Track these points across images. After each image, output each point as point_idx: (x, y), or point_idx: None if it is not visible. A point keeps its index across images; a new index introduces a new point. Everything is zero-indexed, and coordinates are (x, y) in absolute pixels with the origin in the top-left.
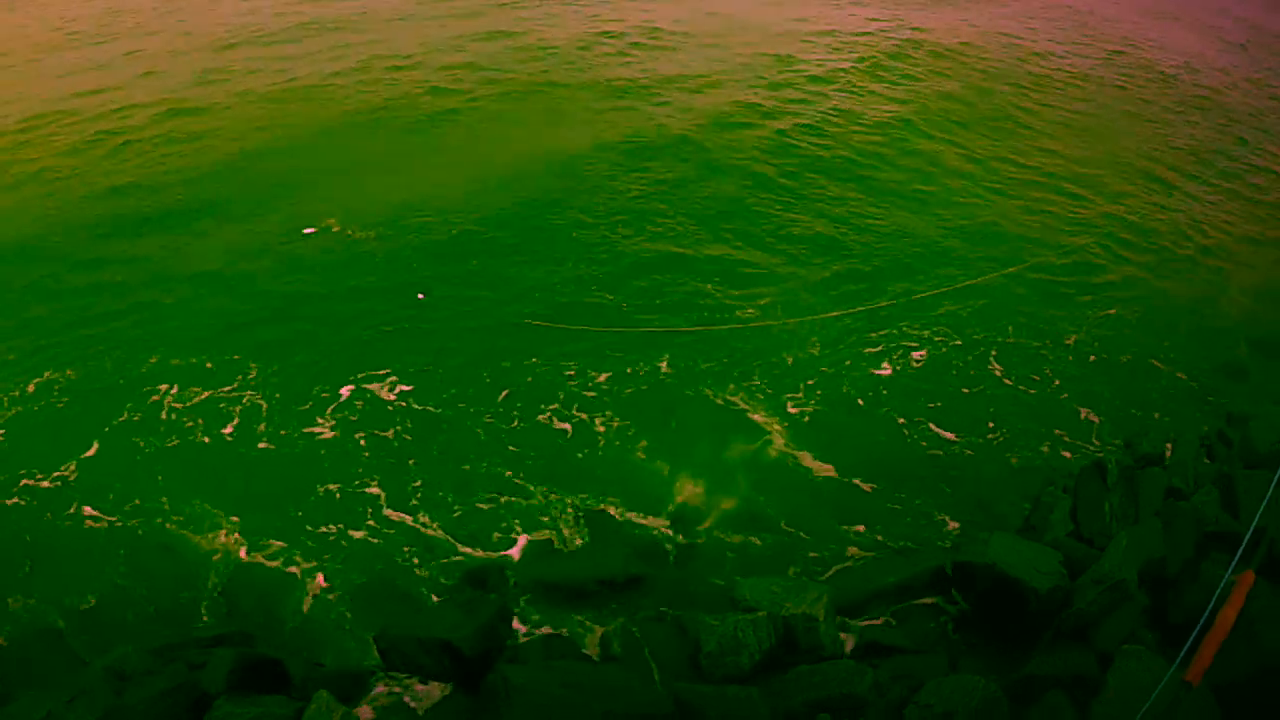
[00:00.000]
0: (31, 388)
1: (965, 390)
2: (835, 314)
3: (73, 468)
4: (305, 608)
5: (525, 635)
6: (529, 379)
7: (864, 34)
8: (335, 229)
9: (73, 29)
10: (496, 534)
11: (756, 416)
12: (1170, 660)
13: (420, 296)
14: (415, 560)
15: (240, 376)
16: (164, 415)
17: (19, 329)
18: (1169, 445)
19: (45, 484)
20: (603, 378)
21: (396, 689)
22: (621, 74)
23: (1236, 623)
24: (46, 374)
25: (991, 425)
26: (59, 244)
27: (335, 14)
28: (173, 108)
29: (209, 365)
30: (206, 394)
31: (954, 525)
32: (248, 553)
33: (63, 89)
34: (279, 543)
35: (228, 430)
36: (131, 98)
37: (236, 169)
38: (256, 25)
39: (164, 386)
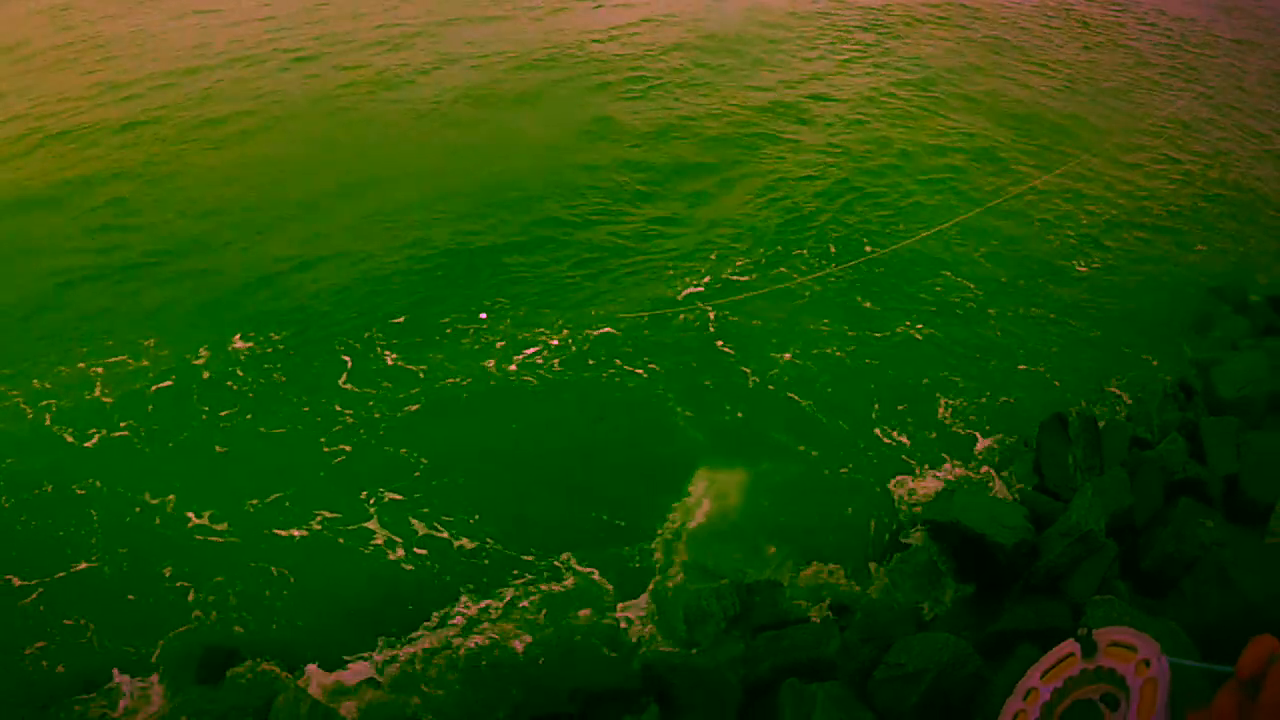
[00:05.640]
0: None
1: (925, 348)
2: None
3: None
4: (271, 598)
5: (487, 617)
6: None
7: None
8: None
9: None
10: (460, 515)
11: (711, 389)
12: (1143, 609)
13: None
14: (375, 544)
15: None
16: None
17: None
18: (1128, 396)
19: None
20: (562, 357)
21: (365, 677)
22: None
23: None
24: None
25: (953, 383)
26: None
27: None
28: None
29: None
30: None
31: (917, 485)
32: (206, 543)
33: None
34: (237, 535)
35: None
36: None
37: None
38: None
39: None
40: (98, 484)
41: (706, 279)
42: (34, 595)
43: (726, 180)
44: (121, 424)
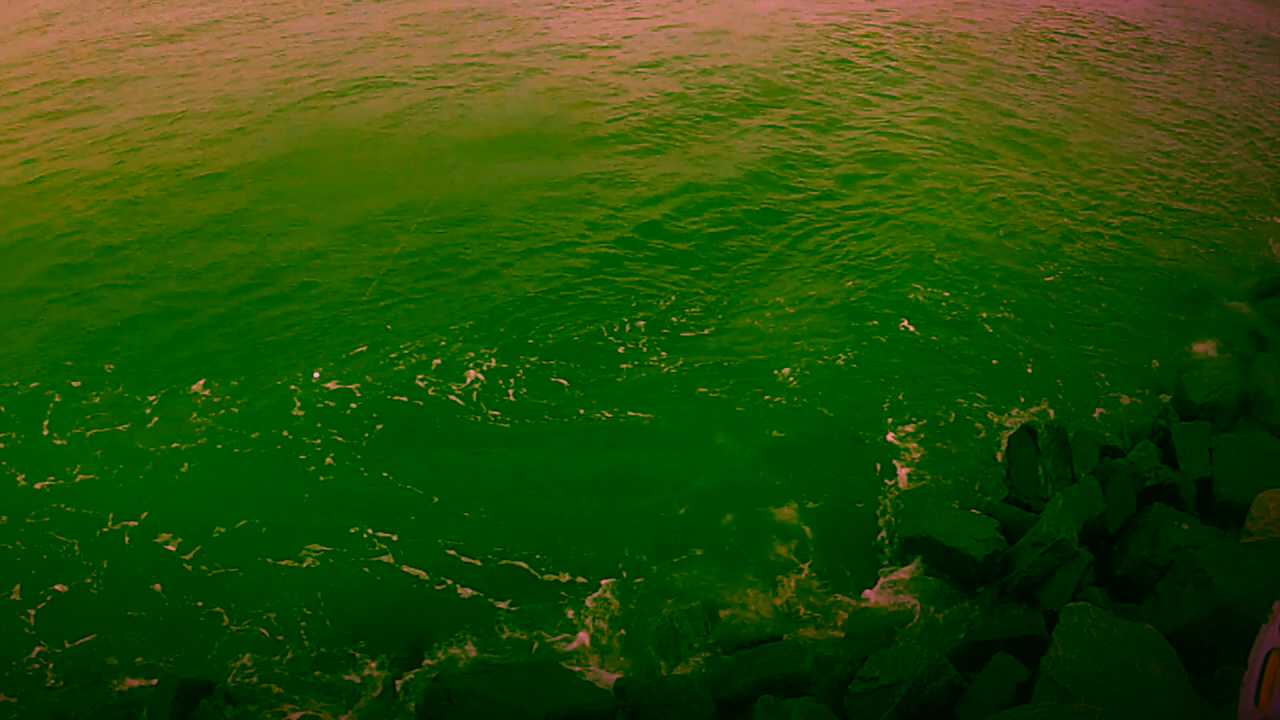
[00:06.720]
0: None
1: (893, 358)
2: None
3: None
4: (248, 631)
5: (462, 642)
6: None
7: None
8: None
9: None
10: (435, 544)
11: (684, 412)
12: (1118, 613)
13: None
14: (351, 574)
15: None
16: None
17: None
18: (1101, 406)
19: None
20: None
21: (339, 705)
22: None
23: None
24: None
25: (922, 394)
26: None
27: None
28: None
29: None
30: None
31: (888, 500)
32: (181, 575)
33: None
34: (213, 568)
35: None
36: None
37: None
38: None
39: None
40: (68, 511)
41: (675, 296)
42: (10, 629)
43: (695, 180)
44: (94, 461)
